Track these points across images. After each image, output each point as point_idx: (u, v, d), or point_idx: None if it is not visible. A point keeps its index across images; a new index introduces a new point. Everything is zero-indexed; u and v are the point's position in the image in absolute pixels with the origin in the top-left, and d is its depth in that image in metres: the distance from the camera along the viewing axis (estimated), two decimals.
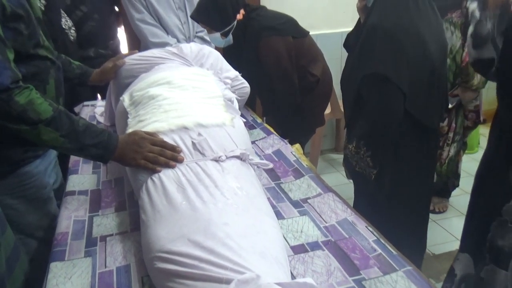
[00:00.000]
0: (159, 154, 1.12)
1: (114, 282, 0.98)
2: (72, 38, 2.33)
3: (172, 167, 1.09)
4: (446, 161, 2.54)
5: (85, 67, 1.72)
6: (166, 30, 2.42)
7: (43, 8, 2.08)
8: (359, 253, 1.02)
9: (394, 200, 1.64)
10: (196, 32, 2.54)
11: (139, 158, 1.14)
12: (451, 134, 2.48)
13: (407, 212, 1.69)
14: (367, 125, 1.51)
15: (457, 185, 2.67)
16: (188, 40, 2.47)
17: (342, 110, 3.25)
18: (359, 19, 1.76)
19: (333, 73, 2.37)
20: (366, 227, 1.11)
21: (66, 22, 2.29)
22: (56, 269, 1.01)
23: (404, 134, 1.52)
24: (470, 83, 2.26)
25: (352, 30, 1.82)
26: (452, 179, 2.64)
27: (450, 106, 2.37)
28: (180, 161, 1.11)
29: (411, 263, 0.98)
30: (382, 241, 1.05)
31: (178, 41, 2.41)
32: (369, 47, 1.46)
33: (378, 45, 1.43)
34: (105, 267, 1.03)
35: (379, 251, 1.02)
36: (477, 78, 2.25)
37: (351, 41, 1.72)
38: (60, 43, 2.14)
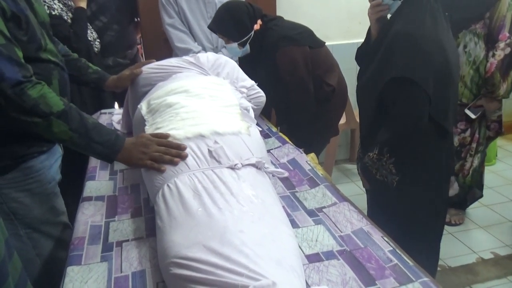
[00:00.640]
0: (164, 153, 1.17)
1: (130, 287, 0.99)
2: (96, 49, 2.40)
3: (176, 163, 1.13)
4: (470, 172, 2.53)
5: (102, 73, 1.75)
6: (194, 37, 2.48)
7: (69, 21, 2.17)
8: (374, 263, 1.01)
9: (414, 207, 1.63)
10: (225, 43, 2.57)
11: (145, 159, 1.20)
12: (474, 145, 2.46)
13: (426, 219, 1.68)
14: (392, 130, 1.51)
15: (481, 196, 2.64)
16: (216, 49, 2.51)
17: (358, 120, 3.26)
18: (368, 31, 1.76)
19: (348, 83, 2.37)
20: (382, 237, 1.10)
21: (91, 34, 2.37)
22: (72, 273, 1.03)
23: (425, 139, 1.53)
24: (496, 93, 2.26)
25: (363, 43, 1.81)
26: (475, 190, 2.61)
27: (474, 117, 2.37)
28: (184, 157, 1.15)
29: (428, 275, 0.97)
30: (398, 251, 1.04)
31: (204, 49, 2.47)
32: (395, 52, 1.46)
33: (404, 50, 1.44)
34: (121, 272, 1.04)
35: (395, 261, 1.01)
36: (503, 87, 2.25)
37: (367, 50, 1.71)
38: (84, 54, 2.20)
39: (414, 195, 1.61)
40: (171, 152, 1.17)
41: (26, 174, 1.32)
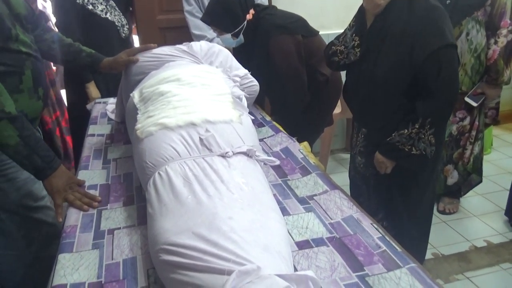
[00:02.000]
0: (79, 199, 1.27)
1: (121, 273, 1.00)
2: (123, 35, 2.47)
3: (85, 210, 1.25)
4: (471, 159, 2.55)
5: (96, 55, 1.73)
6: None
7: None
8: (363, 250, 1.02)
9: (436, 171, 1.78)
10: (219, 34, 2.59)
11: (65, 194, 1.27)
12: (474, 132, 2.48)
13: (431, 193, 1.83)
14: (440, 99, 1.54)
15: (481, 181, 2.67)
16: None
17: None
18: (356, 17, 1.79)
19: (342, 73, 2.36)
20: (371, 224, 1.11)
21: (120, 19, 2.44)
22: (64, 260, 1.03)
23: None
24: (500, 79, 2.29)
25: (341, 41, 1.84)
26: (472, 176, 2.63)
27: (475, 104, 2.38)
28: (95, 207, 1.27)
29: (416, 260, 0.98)
30: (387, 238, 1.05)
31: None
32: (431, 22, 1.51)
33: (439, 18, 1.52)
34: (112, 259, 1.05)
35: (384, 247, 1.02)
36: (507, 74, 2.29)
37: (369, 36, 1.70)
38: (107, 40, 2.32)
39: (439, 158, 1.74)
40: (84, 200, 1.26)
41: (2, 160, 1.32)
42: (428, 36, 1.51)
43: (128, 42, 2.55)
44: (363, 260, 0.99)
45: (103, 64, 1.72)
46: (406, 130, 1.59)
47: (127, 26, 2.49)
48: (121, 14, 2.47)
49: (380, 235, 1.07)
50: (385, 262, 0.98)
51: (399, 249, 1.01)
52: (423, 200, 1.82)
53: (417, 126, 1.57)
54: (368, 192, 1.94)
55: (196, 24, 2.53)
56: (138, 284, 0.96)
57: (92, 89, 2.39)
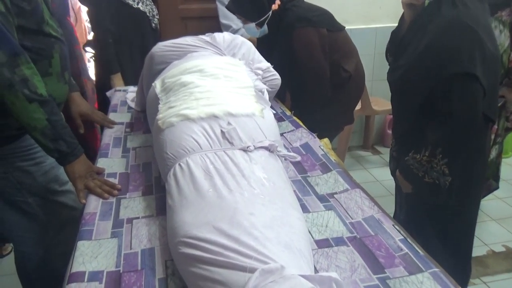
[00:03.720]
0: (99, 186, 1.28)
1: (139, 263, 0.99)
2: (154, 25, 2.47)
3: (106, 198, 1.26)
4: (488, 164, 2.48)
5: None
6: None
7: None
8: (384, 251, 1.00)
9: (465, 206, 1.53)
10: (243, 23, 2.59)
11: (84, 181, 1.28)
12: (492, 136, 2.41)
13: (471, 216, 1.60)
14: (449, 130, 1.36)
15: (497, 188, 2.61)
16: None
17: (374, 107, 3.21)
18: (401, 18, 1.62)
19: (366, 70, 2.33)
20: (393, 225, 1.09)
21: (151, 10, 2.44)
22: (83, 247, 1.04)
23: (476, 134, 1.42)
24: None
25: (395, 32, 1.65)
26: (491, 181, 2.57)
27: None
28: (115, 195, 1.27)
29: (438, 265, 0.95)
30: (409, 240, 1.03)
31: None
32: (451, 45, 1.31)
33: (462, 43, 1.30)
34: (130, 248, 1.05)
35: (406, 250, 1.00)
36: None
37: (400, 39, 1.56)
38: (139, 30, 2.34)
39: (467, 193, 1.49)
40: (104, 188, 1.27)
41: (30, 144, 1.34)
42: (444, 60, 1.33)
43: (158, 32, 2.55)
44: (384, 262, 0.97)
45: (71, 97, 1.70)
46: (418, 155, 1.44)
47: (157, 17, 2.49)
48: (152, 3, 2.47)
49: (402, 237, 1.05)
50: (406, 265, 0.96)
51: (421, 253, 0.99)
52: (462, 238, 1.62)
53: (426, 154, 1.41)
54: (400, 202, 1.80)
55: (225, 13, 2.52)
56: (156, 275, 0.96)
57: (117, 81, 2.39)
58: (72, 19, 4.87)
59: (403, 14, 1.59)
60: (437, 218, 1.55)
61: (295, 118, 1.86)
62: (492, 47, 1.34)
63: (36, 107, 1.17)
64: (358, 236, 1.06)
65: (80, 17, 4.96)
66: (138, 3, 2.37)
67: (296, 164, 1.43)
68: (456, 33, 1.31)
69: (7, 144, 1.29)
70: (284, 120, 1.83)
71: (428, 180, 1.43)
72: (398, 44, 1.55)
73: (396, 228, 1.08)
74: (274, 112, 1.45)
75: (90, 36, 5.15)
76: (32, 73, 1.17)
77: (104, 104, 2.63)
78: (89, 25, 5.22)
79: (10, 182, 1.32)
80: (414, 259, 0.97)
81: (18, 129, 1.29)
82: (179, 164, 1.11)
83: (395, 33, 1.64)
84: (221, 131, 1.16)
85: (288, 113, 1.93)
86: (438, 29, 1.34)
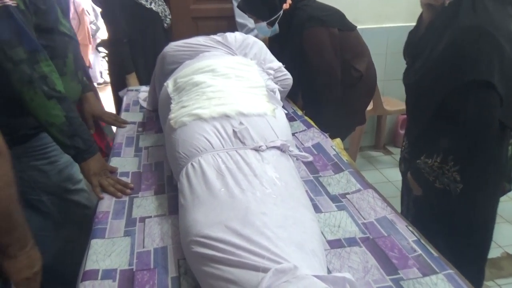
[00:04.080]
0: (112, 185, 1.29)
1: (151, 262, 1.00)
2: (166, 25, 2.49)
3: (119, 197, 1.27)
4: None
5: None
6: None
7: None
8: (397, 252, 1.00)
9: (478, 214, 1.49)
10: (254, 22, 2.60)
11: (99, 179, 1.29)
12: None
13: (486, 225, 1.55)
14: (462, 138, 1.33)
15: (510, 189, 2.56)
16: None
17: (386, 107, 3.19)
18: (419, 19, 1.58)
19: (377, 69, 2.31)
20: (406, 226, 1.08)
21: (163, 10, 2.46)
22: (96, 245, 1.05)
23: (491, 143, 1.36)
24: None
25: (412, 33, 1.62)
26: (504, 184, 2.52)
27: None
28: (128, 193, 1.29)
29: (453, 267, 0.94)
30: (423, 241, 1.02)
31: None
32: (468, 51, 1.27)
33: (479, 49, 1.25)
34: (143, 247, 1.05)
35: (419, 251, 0.99)
36: None
37: (417, 41, 1.53)
38: (152, 30, 2.35)
39: (480, 201, 1.46)
40: (117, 187, 1.29)
41: (45, 143, 1.35)
42: (461, 67, 1.27)
43: (170, 33, 2.57)
44: (397, 263, 0.96)
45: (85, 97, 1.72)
46: (430, 160, 1.41)
47: (170, 17, 2.50)
48: (164, 4, 2.49)
49: (416, 238, 1.04)
50: (420, 267, 0.95)
51: (435, 254, 0.98)
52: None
53: (438, 160, 1.38)
54: (408, 204, 1.75)
55: (241, 13, 2.50)
56: (168, 274, 0.96)
57: (132, 80, 2.40)
58: (75, 21, 4.91)
59: (421, 14, 1.55)
60: (446, 223, 1.52)
61: (306, 118, 1.86)
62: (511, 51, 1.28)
63: (55, 104, 1.18)
64: (371, 237, 1.06)
65: (84, 19, 5.02)
66: (151, 3, 2.38)
67: (308, 164, 1.43)
68: (473, 40, 1.26)
69: (22, 143, 1.30)
70: (295, 120, 1.83)
71: (439, 186, 1.40)
72: (416, 45, 1.52)
73: (409, 229, 1.07)
74: (286, 112, 1.45)
75: (92, 38, 5.23)
76: (50, 70, 1.19)
77: (120, 103, 2.66)
78: (93, 27, 5.29)
79: (24, 181, 1.33)
80: (428, 260, 0.96)
81: (33, 128, 1.31)
82: (191, 164, 1.11)
83: (412, 33, 1.61)
84: (233, 130, 1.16)
85: (299, 113, 1.92)
86: (455, 34, 1.29)
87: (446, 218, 1.49)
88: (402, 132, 3.55)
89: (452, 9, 1.33)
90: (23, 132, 1.30)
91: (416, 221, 1.60)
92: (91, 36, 5.21)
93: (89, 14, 5.20)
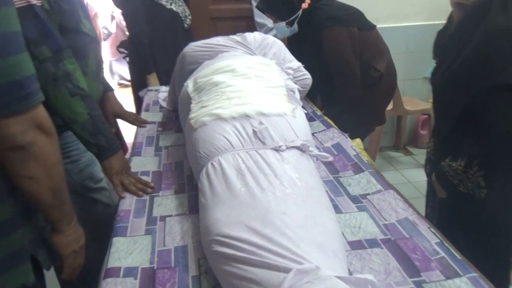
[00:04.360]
0: (133, 184, 1.31)
1: (172, 260, 1.01)
2: (186, 25, 2.51)
3: (140, 196, 1.29)
4: None
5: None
6: None
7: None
8: (420, 254, 0.98)
9: (502, 220, 1.44)
10: (273, 22, 2.60)
11: (120, 178, 1.31)
12: None
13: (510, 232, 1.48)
14: (486, 142, 1.28)
15: None
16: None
17: (406, 107, 3.15)
18: (449, 17, 1.54)
19: (397, 69, 2.28)
20: (428, 228, 1.06)
21: (183, 10, 2.49)
22: (118, 243, 1.06)
23: None
24: None
25: (442, 32, 1.58)
26: None
27: None
28: (149, 192, 1.30)
29: (477, 270, 0.93)
30: (446, 244, 1.01)
31: None
32: (497, 53, 1.21)
33: (508, 52, 1.20)
34: (164, 245, 1.06)
35: (442, 254, 0.97)
36: None
37: (446, 40, 1.48)
38: (172, 31, 2.37)
39: (504, 207, 1.40)
40: (138, 186, 1.30)
41: (67, 143, 1.37)
42: (488, 70, 1.22)
43: (190, 33, 2.58)
44: (420, 266, 0.95)
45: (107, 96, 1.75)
46: (454, 163, 1.36)
47: (190, 17, 2.52)
48: (184, 4, 2.51)
49: (438, 240, 1.02)
50: (443, 269, 0.93)
51: (458, 257, 0.96)
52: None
53: (462, 164, 1.33)
54: (433, 206, 1.69)
55: (260, 12, 2.55)
56: (189, 273, 0.97)
57: (152, 80, 2.43)
58: None
59: (451, 13, 1.50)
60: (470, 227, 1.48)
61: (326, 118, 1.85)
62: None
63: (78, 101, 1.20)
64: (392, 238, 1.05)
65: (96, 23, 5.08)
66: (171, 4, 2.40)
67: (328, 164, 1.42)
68: (502, 41, 1.21)
69: None
70: (315, 120, 1.82)
71: (463, 190, 1.36)
72: (444, 45, 1.48)
73: (432, 231, 1.05)
74: (305, 111, 1.44)
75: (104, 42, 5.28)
76: (74, 68, 1.20)
77: (140, 103, 2.69)
78: (105, 32, 5.35)
79: None
80: (451, 263, 0.94)
81: (56, 127, 1.33)
82: (212, 163, 1.11)
83: (442, 32, 1.57)
84: (253, 130, 1.16)
85: (319, 113, 1.92)
86: (484, 35, 1.24)
87: (469, 223, 1.46)
88: (423, 132, 3.50)
89: (482, 8, 1.28)
90: None
91: (441, 224, 1.57)
92: (102, 40, 5.27)
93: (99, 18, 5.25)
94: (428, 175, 1.62)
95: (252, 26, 2.79)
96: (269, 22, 2.56)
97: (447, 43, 1.45)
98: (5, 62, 0.77)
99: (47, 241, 0.99)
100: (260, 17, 2.63)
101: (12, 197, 0.89)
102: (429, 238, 1.03)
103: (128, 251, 1.04)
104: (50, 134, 0.90)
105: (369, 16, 2.17)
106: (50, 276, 1.11)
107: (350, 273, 0.93)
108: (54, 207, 0.95)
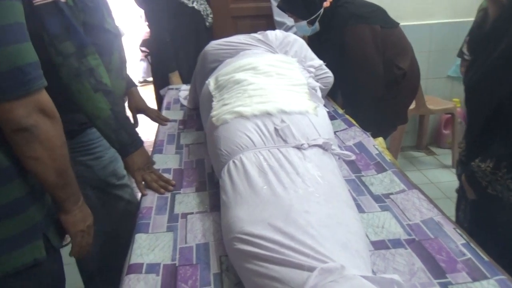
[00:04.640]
0: (155, 181, 1.32)
1: (194, 257, 1.01)
2: (208, 24, 2.53)
3: (162, 193, 1.29)
4: None
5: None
6: None
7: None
8: (445, 256, 0.96)
9: None
10: (294, 21, 2.59)
11: (142, 174, 1.32)
12: None
13: None
14: None
15: None
16: None
17: (429, 106, 3.10)
18: (484, 14, 1.47)
19: (420, 67, 2.24)
20: (454, 229, 1.04)
21: (205, 9, 2.50)
22: (140, 240, 1.07)
23: None
24: None
25: (476, 28, 1.55)
26: None
27: None
28: (170, 190, 1.30)
29: (505, 272, 0.90)
30: (472, 245, 0.98)
31: None
32: None
33: None
34: (185, 242, 1.07)
35: (469, 255, 0.95)
36: None
37: (481, 37, 1.42)
38: (194, 29, 2.39)
39: None
40: (160, 183, 1.31)
41: (91, 139, 1.39)
42: None
43: (211, 31, 2.59)
44: (445, 267, 0.93)
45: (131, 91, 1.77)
46: (483, 164, 1.32)
47: (211, 16, 2.53)
48: (205, 3, 2.52)
49: (464, 241, 1.00)
50: (470, 271, 0.91)
51: (486, 258, 0.94)
52: None
53: (491, 166, 1.29)
54: (465, 209, 1.72)
55: (279, 11, 2.54)
56: (210, 270, 0.97)
57: (175, 79, 2.44)
58: None
59: (486, 9, 1.48)
60: (498, 231, 1.44)
61: (347, 116, 1.83)
62: None
63: (101, 97, 1.21)
64: (417, 239, 1.02)
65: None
66: (193, 2, 2.41)
67: (350, 163, 1.40)
68: None
69: (70, 139, 1.35)
70: (336, 119, 1.80)
71: (491, 192, 1.32)
72: (479, 42, 1.44)
73: (457, 232, 1.03)
74: (327, 110, 1.42)
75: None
76: (97, 63, 1.22)
77: (161, 102, 2.70)
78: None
79: None
80: (478, 264, 0.92)
81: (80, 124, 1.35)
82: (233, 161, 1.11)
83: (475, 29, 1.53)
84: (275, 128, 1.15)
85: (340, 111, 1.90)
86: None
87: (497, 225, 1.42)
88: (446, 132, 3.43)
89: None
90: (70, 128, 1.34)
91: (471, 227, 1.53)
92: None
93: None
94: (459, 176, 1.58)
95: (272, 25, 2.78)
96: (288, 21, 2.55)
97: (483, 40, 1.40)
98: (5, 50, 0.83)
99: (57, 221, 1.06)
100: (279, 16, 2.63)
101: (22, 177, 0.95)
102: (455, 239, 1.01)
103: (150, 248, 1.04)
104: (53, 118, 0.94)
105: (392, 14, 2.13)
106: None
107: (374, 273, 0.91)
108: (60, 187, 1.00)
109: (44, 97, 0.92)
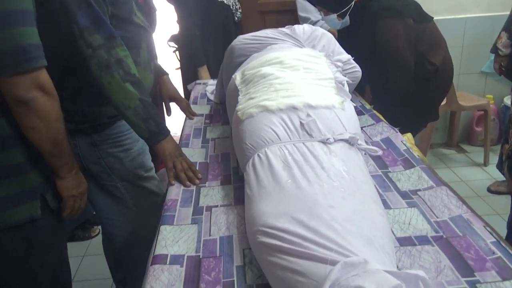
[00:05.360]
0: (185, 171, 1.34)
1: (217, 250, 1.02)
2: (236, 18, 2.55)
3: (188, 186, 1.31)
4: None
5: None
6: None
7: None
8: (474, 254, 0.93)
9: None
10: (324, 15, 2.58)
11: (174, 161, 1.33)
12: None
13: None
14: None
15: None
16: None
17: (460, 103, 3.01)
18: None
19: (453, 62, 2.18)
20: (484, 226, 1.01)
21: (234, 3, 2.52)
22: (165, 231, 1.08)
23: None
24: None
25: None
26: None
27: None
28: (196, 183, 1.32)
29: None
30: (503, 243, 0.95)
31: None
32: None
33: None
34: (209, 235, 1.07)
35: (499, 254, 0.92)
36: None
37: None
38: (223, 23, 2.40)
39: None
40: (188, 173, 1.33)
41: (120, 131, 1.41)
42: None
43: (241, 26, 2.60)
44: (474, 265, 0.90)
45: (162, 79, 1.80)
46: None
47: (240, 10, 2.53)
48: None
49: (494, 239, 0.97)
50: (499, 270, 0.88)
51: None
52: None
53: None
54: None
55: (303, 6, 2.53)
56: (234, 263, 0.97)
57: (203, 73, 2.46)
58: None
59: None
60: None
61: (375, 111, 1.80)
62: None
63: (130, 87, 1.23)
64: (445, 236, 1.00)
65: None
66: None
67: (377, 159, 1.38)
68: None
69: (101, 131, 1.38)
70: (363, 114, 1.77)
71: None
72: None
73: (487, 230, 1.00)
74: (354, 105, 1.41)
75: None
76: (125, 55, 1.24)
77: (188, 97, 2.73)
78: None
79: (102, 167, 1.41)
80: (509, 263, 0.89)
81: (110, 117, 1.37)
82: (258, 155, 1.11)
83: None
84: (300, 122, 1.15)
85: (367, 106, 1.87)
86: None
87: None
88: (478, 129, 3.33)
89: None
90: (101, 120, 1.37)
91: None
92: None
93: None
94: (506, 174, 1.53)
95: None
96: (312, 16, 2.52)
97: None
98: (9, 32, 0.96)
99: (54, 185, 1.19)
100: (303, 11, 2.61)
101: (22, 145, 1.10)
102: (485, 237, 0.98)
103: (174, 239, 1.06)
104: (51, 95, 1.06)
105: (425, 7, 2.08)
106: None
107: (399, 270, 0.89)
108: (54, 155, 1.13)
109: (43, 75, 1.03)
